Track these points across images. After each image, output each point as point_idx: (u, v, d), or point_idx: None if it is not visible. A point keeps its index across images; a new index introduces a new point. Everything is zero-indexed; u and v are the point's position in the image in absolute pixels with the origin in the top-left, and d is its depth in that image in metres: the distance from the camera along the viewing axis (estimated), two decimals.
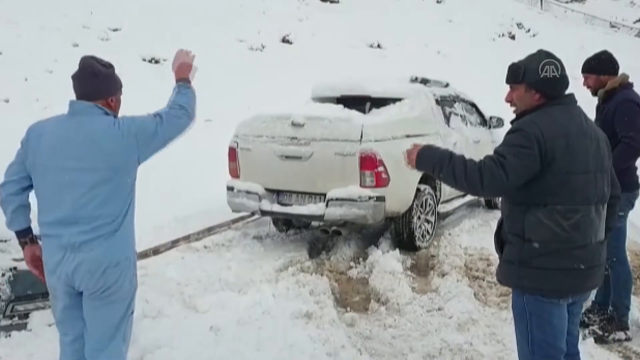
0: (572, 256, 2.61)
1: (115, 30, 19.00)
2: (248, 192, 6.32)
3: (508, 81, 2.80)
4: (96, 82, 2.76)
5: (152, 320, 4.25)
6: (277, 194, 6.31)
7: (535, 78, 2.67)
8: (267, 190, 6.29)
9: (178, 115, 2.89)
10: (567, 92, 2.74)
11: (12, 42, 16.11)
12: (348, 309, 5.01)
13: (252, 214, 6.73)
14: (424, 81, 7.31)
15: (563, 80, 2.69)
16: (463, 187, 2.68)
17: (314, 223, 7.26)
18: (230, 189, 6.50)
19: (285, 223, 7.22)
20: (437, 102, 7.08)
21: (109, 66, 2.83)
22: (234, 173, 6.54)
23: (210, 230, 6.84)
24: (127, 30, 18.98)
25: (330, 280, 5.54)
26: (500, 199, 3.11)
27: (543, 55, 2.71)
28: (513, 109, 2.83)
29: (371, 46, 22.98)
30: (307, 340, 4.09)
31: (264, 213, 6.41)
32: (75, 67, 2.80)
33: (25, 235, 2.87)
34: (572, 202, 2.58)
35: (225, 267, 5.71)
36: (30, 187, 2.80)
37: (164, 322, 4.27)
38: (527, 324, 2.74)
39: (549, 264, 2.62)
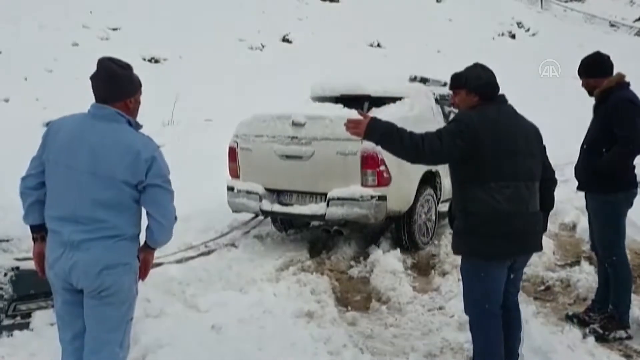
0: (507, 223, 3.14)
1: (115, 29, 18.99)
2: (248, 192, 6.31)
3: (451, 87, 3.47)
4: (114, 84, 2.77)
5: (154, 320, 4.26)
6: (277, 194, 6.30)
7: (475, 84, 3.28)
8: (268, 190, 6.28)
9: (168, 213, 2.88)
10: (499, 94, 3.33)
11: (12, 41, 16.09)
12: (349, 308, 5.02)
13: (255, 215, 6.71)
14: (423, 80, 7.31)
15: (494, 86, 3.31)
16: (406, 150, 3.14)
17: (314, 223, 7.27)
18: (230, 189, 6.48)
19: (285, 223, 7.22)
20: (436, 101, 7.08)
21: (127, 67, 2.83)
22: (234, 173, 6.53)
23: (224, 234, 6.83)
24: (127, 29, 18.95)
25: (331, 279, 5.55)
26: None
27: (479, 67, 3.35)
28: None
29: (371, 45, 22.98)
30: (308, 339, 4.10)
31: (264, 213, 6.40)
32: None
33: (37, 232, 2.88)
34: (503, 179, 3.13)
35: (226, 266, 5.72)
36: None
37: (165, 321, 4.27)
38: (471, 282, 3.32)
39: (488, 231, 3.15)
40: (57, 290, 2.82)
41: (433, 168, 6.47)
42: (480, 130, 3.12)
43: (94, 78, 2.78)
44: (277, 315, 4.53)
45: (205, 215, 7.14)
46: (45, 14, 17.90)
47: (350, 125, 3.20)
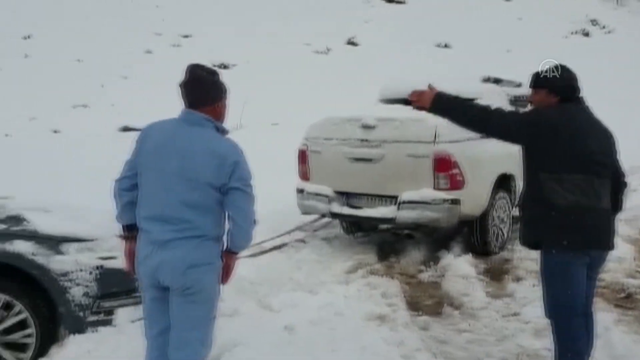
0: (579, 216, 3.17)
1: (186, 36, 19.56)
2: (318, 195, 6.35)
3: (532, 86, 3.46)
4: (203, 89, 2.88)
5: (229, 319, 4.33)
6: (347, 196, 6.30)
7: (556, 85, 3.33)
8: (337, 192, 6.29)
9: (249, 217, 2.89)
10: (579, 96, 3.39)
11: (90, 50, 16.86)
12: (421, 312, 4.96)
13: (322, 216, 6.75)
14: (497, 81, 7.17)
15: (574, 88, 3.36)
16: (472, 120, 3.36)
17: (382, 226, 7.23)
18: (300, 191, 6.54)
19: (353, 225, 7.22)
20: (510, 102, 6.91)
21: (214, 73, 2.95)
22: (304, 176, 6.58)
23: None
24: (197, 36, 19.50)
25: (401, 283, 5.51)
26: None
27: (562, 68, 3.39)
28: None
29: (438, 46, 22.66)
30: (380, 343, 4.08)
31: (333, 215, 6.43)
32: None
33: (128, 231, 3.02)
34: (575, 172, 3.17)
35: (296, 267, 5.79)
36: None
37: (239, 320, 4.34)
38: (551, 280, 3.30)
39: (563, 222, 3.16)
40: (146, 287, 2.94)
41: (508, 171, 6.32)
42: (557, 123, 3.21)
43: (184, 85, 2.90)
44: (348, 318, 4.54)
45: (274, 217, 7.21)
46: (119, 23, 18.66)
47: (414, 97, 3.42)
